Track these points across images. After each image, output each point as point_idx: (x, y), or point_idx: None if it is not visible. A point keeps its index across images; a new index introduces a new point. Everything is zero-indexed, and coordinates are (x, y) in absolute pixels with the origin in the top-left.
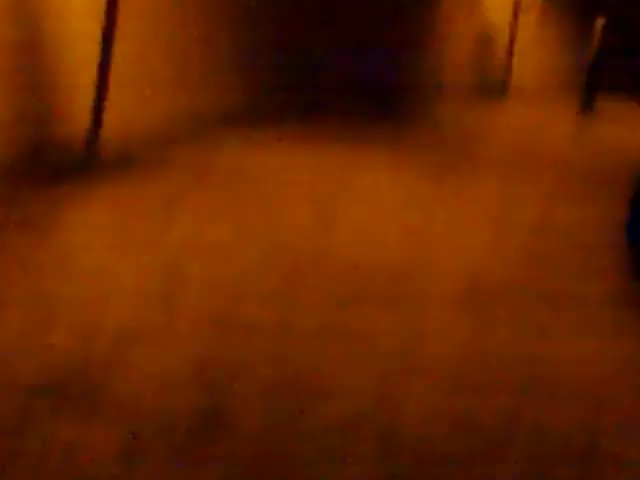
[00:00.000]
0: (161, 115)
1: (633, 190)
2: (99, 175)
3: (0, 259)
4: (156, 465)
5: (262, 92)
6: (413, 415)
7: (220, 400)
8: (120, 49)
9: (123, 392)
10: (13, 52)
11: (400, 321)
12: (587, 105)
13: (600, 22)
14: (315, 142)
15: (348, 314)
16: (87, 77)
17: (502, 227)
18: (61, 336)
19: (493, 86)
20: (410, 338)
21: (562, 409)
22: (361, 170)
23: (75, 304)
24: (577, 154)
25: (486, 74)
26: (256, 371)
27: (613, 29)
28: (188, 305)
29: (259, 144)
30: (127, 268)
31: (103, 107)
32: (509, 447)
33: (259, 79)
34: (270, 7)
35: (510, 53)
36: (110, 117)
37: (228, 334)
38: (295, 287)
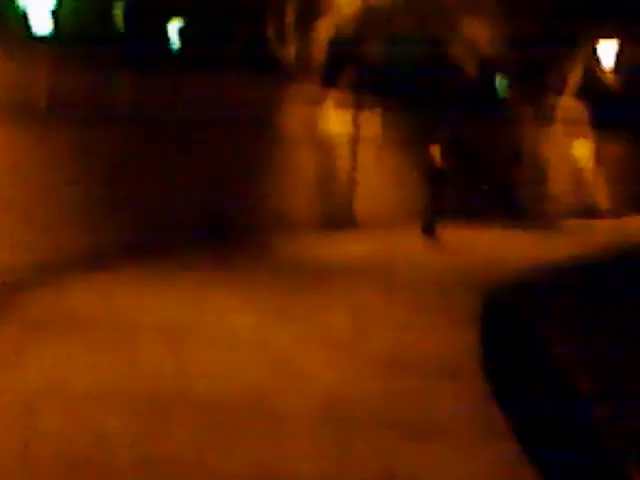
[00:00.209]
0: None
1: None
2: None
3: None
4: None
5: (108, 235)
6: None
7: None
8: None
9: None
10: None
11: None
12: (429, 231)
13: (436, 149)
14: (160, 280)
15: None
16: None
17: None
18: None
19: (338, 216)
20: None
21: None
22: (210, 308)
23: None
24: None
25: (331, 205)
26: None
27: (450, 154)
28: None
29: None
30: None
31: None
32: None
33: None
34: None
35: (353, 183)
36: None
37: None
38: None
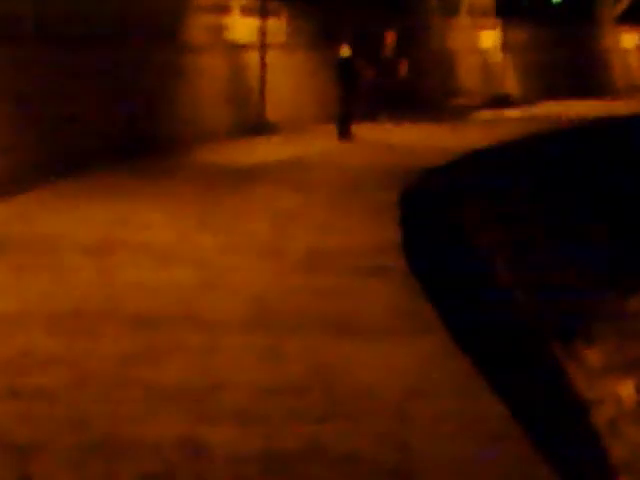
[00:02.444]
0: None
1: None
2: None
3: None
4: None
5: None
6: None
7: None
8: None
9: None
10: None
11: None
12: (344, 132)
13: (345, 48)
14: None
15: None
16: None
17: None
18: None
19: (251, 124)
20: None
21: None
22: (133, 223)
23: None
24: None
25: (241, 111)
26: None
27: (360, 57)
28: None
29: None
30: None
31: None
32: None
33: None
34: None
35: (262, 89)
36: None
37: None
38: None
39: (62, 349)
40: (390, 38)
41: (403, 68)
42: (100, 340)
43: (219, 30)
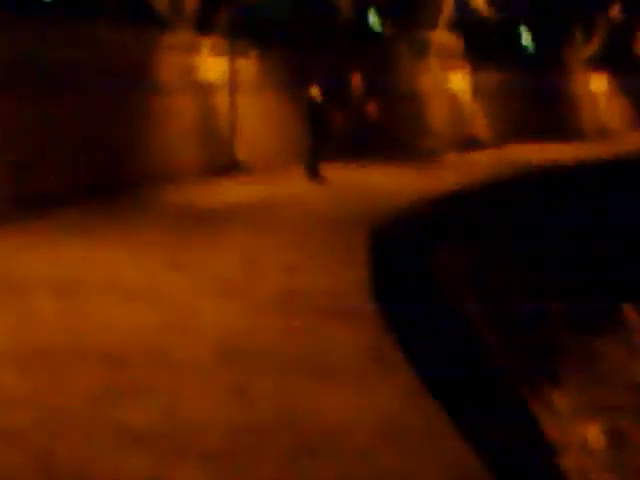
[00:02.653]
0: None
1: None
2: None
3: None
4: None
5: None
6: None
7: None
8: None
9: None
10: None
11: None
12: (312, 172)
13: (315, 89)
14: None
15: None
16: None
17: None
18: None
19: (220, 163)
20: None
21: None
22: (101, 262)
23: None
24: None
25: (211, 151)
26: None
27: (329, 98)
28: None
29: None
30: None
31: None
32: None
33: None
34: None
35: (232, 129)
36: None
37: None
38: None
39: (28, 388)
40: (356, 79)
41: (372, 109)
42: (66, 380)
43: (189, 70)
